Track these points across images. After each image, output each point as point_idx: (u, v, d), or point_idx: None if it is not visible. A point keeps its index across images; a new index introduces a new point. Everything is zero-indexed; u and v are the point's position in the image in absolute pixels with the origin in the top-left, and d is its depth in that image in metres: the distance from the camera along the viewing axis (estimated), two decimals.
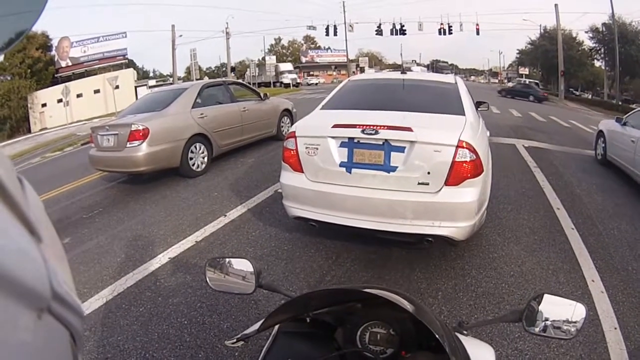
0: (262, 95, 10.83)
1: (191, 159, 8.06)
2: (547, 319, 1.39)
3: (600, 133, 10.09)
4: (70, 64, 46.24)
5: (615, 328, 3.60)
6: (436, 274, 4.32)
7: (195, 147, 8.17)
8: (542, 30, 52.89)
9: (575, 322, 1.38)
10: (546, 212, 6.15)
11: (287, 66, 60.46)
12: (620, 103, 37.21)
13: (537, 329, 1.40)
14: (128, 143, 7.46)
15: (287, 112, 11.63)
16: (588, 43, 49.06)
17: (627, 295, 4.16)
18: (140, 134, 7.44)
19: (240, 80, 18.21)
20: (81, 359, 0.58)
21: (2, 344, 0.34)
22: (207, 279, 1.59)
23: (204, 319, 3.66)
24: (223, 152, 9.09)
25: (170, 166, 7.85)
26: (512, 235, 5.28)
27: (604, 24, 44.06)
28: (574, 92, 54.09)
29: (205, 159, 8.41)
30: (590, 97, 49.24)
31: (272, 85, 53.01)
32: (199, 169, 8.22)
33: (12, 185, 0.43)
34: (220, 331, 3.51)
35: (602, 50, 46.57)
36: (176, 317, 3.73)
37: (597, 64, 51.98)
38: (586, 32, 47.62)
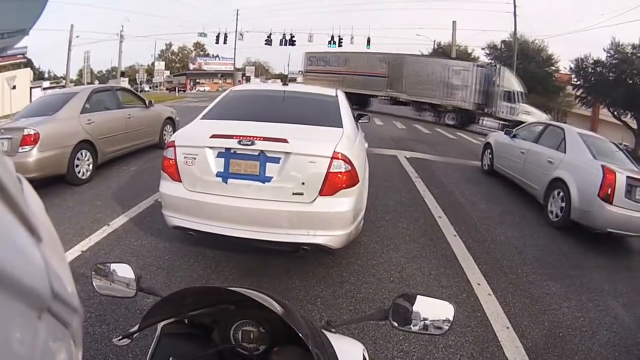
0: (147, 102, 10.75)
1: (77, 166, 7.76)
2: (425, 318, 1.49)
3: (488, 145, 10.74)
4: None
5: (508, 327, 3.83)
6: (314, 281, 4.40)
7: (82, 153, 7.89)
8: (435, 46, 53.05)
9: (447, 320, 1.50)
10: (427, 220, 6.42)
11: None
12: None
13: (415, 328, 1.50)
14: (20, 148, 7.07)
15: (170, 120, 11.65)
16: (484, 59, 50.69)
17: (518, 296, 4.44)
18: (32, 138, 7.09)
19: (128, 87, 17.60)
20: (81, 358, 0.59)
21: (3, 343, 0.35)
22: (94, 285, 1.61)
23: (94, 330, 3.56)
24: (107, 159, 8.88)
25: (57, 173, 7.50)
26: (390, 243, 5.46)
27: (503, 41, 46.10)
28: None
29: (91, 166, 8.13)
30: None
31: None
32: (84, 177, 7.92)
33: (12, 185, 0.43)
34: (110, 342, 3.42)
35: (498, 66, 48.58)
36: None
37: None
38: (483, 48, 49.40)
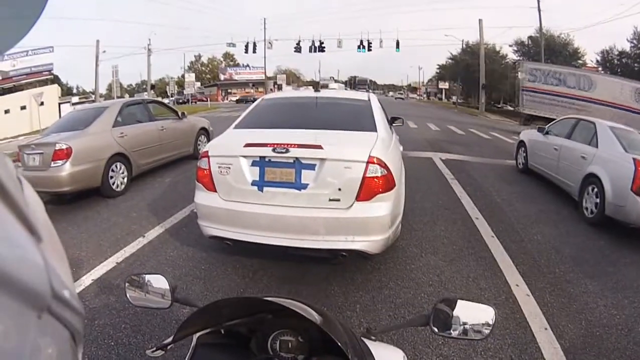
0: (179, 113, 10.93)
1: (112, 178, 7.89)
2: (465, 323, 1.47)
3: (522, 143, 10.58)
4: (0, 78, 43.79)
5: (546, 329, 3.74)
6: (353, 287, 4.35)
7: (116, 166, 8.02)
8: (464, 45, 53.36)
9: (487, 324, 1.47)
10: (464, 222, 6.34)
11: None
12: None
13: (455, 333, 1.47)
14: (52, 162, 7.23)
15: (204, 130, 11.80)
16: (512, 56, 50.06)
17: (555, 296, 4.34)
18: (64, 153, 7.24)
19: (159, 99, 17.96)
20: (81, 358, 0.59)
21: (2, 344, 0.34)
22: (128, 297, 1.62)
23: (130, 340, 3.59)
24: (142, 171, 8.99)
25: (91, 186, 7.63)
26: (429, 246, 5.40)
27: (529, 37, 45.62)
28: (496, 104, 54.53)
29: (125, 178, 8.26)
30: (513, 109, 50.84)
31: None
32: (119, 189, 8.04)
33: (12, 185, 0.43)
34: (144, 353, 3.41)
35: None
36: (103, 339, 3.63)
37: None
38: (510, 45, 48.99)
